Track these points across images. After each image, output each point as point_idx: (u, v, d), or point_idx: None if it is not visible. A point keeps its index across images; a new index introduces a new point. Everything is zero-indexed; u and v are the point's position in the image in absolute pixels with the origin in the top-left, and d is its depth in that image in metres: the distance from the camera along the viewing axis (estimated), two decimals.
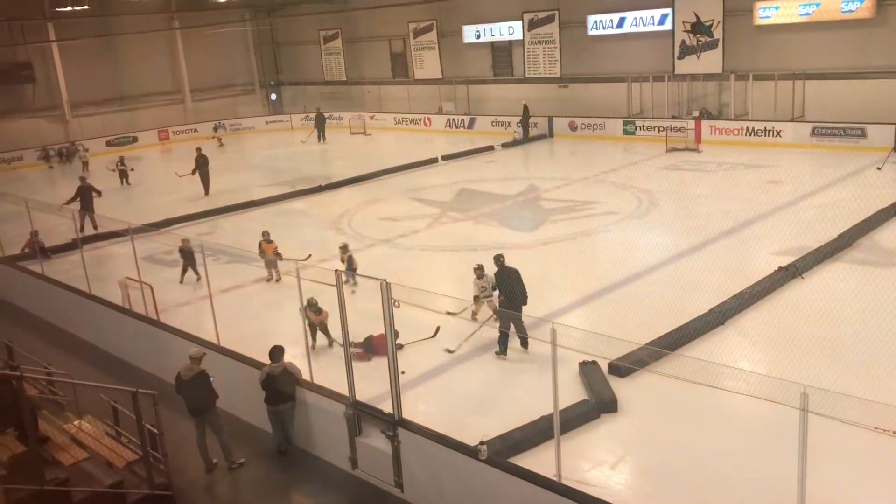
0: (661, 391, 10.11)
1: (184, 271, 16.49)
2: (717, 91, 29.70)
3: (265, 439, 10.28)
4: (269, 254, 16.18)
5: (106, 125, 39.32)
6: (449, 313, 12.27)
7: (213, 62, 43.78)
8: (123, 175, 29.21)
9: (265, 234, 16.49)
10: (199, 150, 26.99)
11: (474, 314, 12.50)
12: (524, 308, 11.54)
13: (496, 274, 11.95)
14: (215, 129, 41.48)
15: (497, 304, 12.02)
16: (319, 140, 37.33)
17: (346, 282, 11.86)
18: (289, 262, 15.04)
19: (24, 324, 16.00)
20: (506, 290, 11.69)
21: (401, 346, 11.33)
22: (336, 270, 8.83)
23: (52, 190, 25.65)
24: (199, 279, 15.80)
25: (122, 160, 29.89)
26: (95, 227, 21.17)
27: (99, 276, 15.43)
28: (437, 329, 12.36)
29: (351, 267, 14.85)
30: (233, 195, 24.81)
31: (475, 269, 12.35)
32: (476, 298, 12.36)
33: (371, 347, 11.81)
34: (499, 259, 12.00)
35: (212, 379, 9.73)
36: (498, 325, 11.77)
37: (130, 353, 13.41)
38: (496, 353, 11.74)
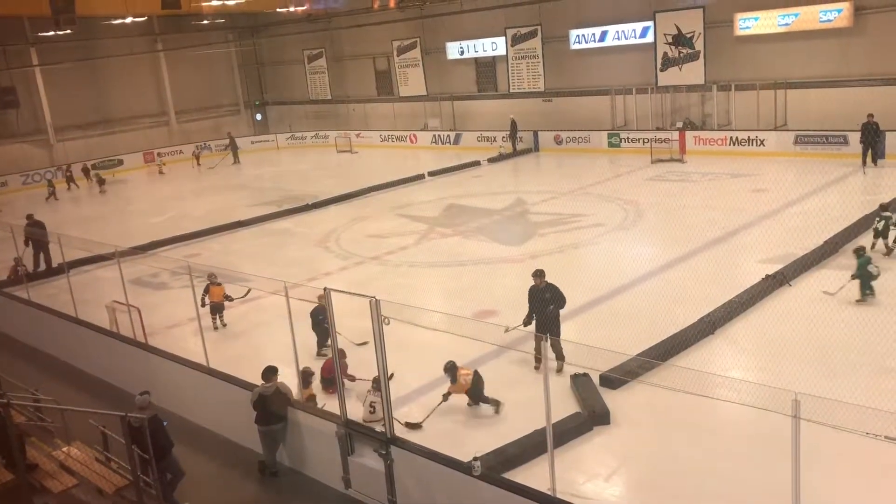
0: (653, 402, 10.12)
1: (320, 344, 12.83)
2: (700, 102, 29.95)
3: (256, 461, 10.18)
4: (219, 298, 14.69)
5: (91, 149, 39.19)
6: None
7: (198, 83, 43.89)
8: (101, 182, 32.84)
9: (211, 276, 14.53)
10: (30, 217, 20.66)
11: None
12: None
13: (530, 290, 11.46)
14: (90, 169, 36.70)
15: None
16: (234, 162, 39.13)
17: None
18: (237, 299, 14.78)
19: (11, 350, 15.86)
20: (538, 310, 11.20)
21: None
22: (325, 288, 8.80)
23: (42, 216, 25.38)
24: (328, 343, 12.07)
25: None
26: None
27: (86, 301, 15.30)
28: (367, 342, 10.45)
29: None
30: (219, 216, 24.75)
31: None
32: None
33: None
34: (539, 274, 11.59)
35: (164, 423, 9.13)
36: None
37: (119, 377, 13.28)
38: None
